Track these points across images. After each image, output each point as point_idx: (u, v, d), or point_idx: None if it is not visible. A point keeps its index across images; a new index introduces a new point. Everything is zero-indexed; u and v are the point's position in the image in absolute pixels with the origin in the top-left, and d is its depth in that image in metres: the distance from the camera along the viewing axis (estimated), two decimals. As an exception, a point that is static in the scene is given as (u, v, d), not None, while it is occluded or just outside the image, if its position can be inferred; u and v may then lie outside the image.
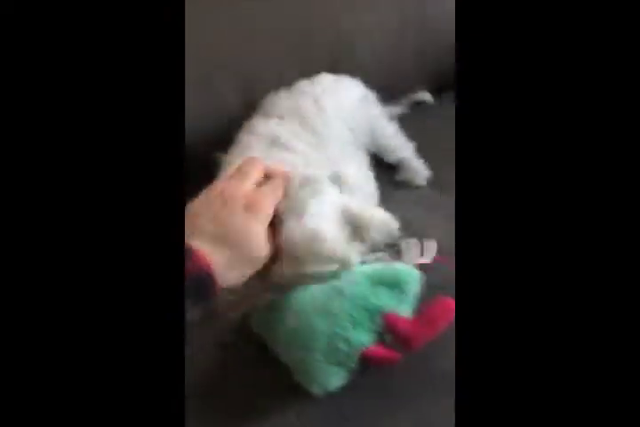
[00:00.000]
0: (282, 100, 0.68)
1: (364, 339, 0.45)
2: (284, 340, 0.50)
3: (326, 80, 0.71)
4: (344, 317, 0.46)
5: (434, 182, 0.71)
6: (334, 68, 0.76)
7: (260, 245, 0.44)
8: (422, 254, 0.54)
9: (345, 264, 0.46)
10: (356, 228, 0.47)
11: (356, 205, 0.49)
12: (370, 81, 0.74)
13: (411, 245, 0.54)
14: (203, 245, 0.41)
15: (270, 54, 0.77)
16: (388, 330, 0.45)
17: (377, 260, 0.52)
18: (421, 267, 0.52)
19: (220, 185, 0.47)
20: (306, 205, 0.46)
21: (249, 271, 0.44)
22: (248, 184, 0.46)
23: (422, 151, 0.74)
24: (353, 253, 0.47)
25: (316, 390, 0.47)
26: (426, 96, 0.85)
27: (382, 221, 0.48)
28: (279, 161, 0.54)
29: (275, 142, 0.59)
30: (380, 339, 0.46)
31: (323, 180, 0.49)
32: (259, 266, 0.45)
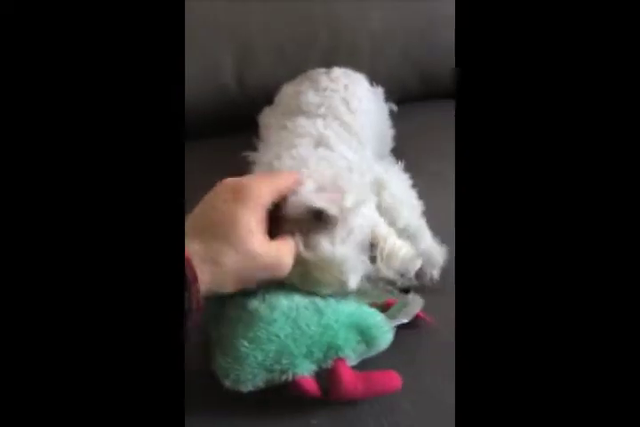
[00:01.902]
0: (308, 96, 0.65)
1: (304, 367, 0.43)
2: (232, 321, 0.45)
3: (340, 75, 0.69)
4: (305, 338, 0.43)
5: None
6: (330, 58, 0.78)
7: (246, 234, 0.40)
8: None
9: (343, 287, 0.46)
10: (373, 256, 0.47)
11: (384, 228, 0.49)
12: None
13: (403, 304, 0.49)
14: (188, 241, 0.38)
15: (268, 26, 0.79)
16: (331, 372, 0.43)
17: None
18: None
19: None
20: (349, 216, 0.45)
21: (248, 269, 0.41)
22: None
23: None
24: (356, 279, 0.46)
25: (227, 384, 0.43)
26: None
27: (405, 258, 0.48)
28: (323, 159, 0.53)
29: (321, 143, 0.57)
30: (319, 372, 0.44)
31: (367, 189, 0.48)
32: (255, 263, 0.41)
